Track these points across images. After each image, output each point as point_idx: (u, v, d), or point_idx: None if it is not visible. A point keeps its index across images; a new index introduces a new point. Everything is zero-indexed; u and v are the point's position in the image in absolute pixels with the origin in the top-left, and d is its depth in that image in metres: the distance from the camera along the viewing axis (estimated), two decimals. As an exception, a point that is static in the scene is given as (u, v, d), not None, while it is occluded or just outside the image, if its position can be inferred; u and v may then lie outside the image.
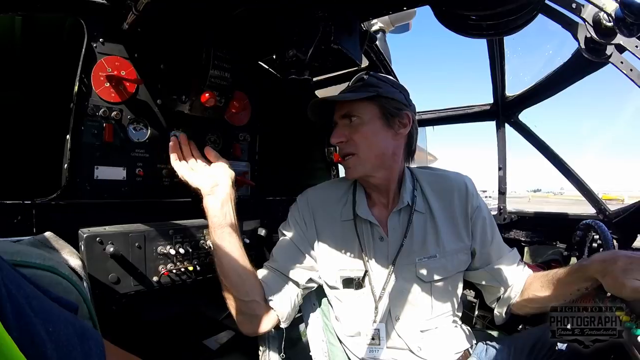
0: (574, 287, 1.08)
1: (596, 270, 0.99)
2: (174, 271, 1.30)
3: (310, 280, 1.35)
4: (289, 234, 1.37)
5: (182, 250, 1.31)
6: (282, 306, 1.26)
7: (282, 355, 1.40)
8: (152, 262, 1.27)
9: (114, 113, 1.28)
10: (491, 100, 2.00)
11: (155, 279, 1.27)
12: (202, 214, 1.28)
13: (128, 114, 1.32)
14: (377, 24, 2.19)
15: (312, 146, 2.32)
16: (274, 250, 1.37)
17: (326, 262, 1.33)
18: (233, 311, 1.25)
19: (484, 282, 1.34)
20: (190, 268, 1.33)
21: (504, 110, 1.97)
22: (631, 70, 0.96)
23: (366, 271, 1.28)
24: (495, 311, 1.35)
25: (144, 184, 1.36)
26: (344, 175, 1.35)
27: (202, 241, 1.40)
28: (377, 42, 1.78)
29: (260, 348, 1.42)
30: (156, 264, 1.28)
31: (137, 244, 1.24)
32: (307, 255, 1.33)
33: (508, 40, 1.71)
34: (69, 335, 0.53)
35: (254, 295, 1.23)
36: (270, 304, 1.24)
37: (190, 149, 1.36)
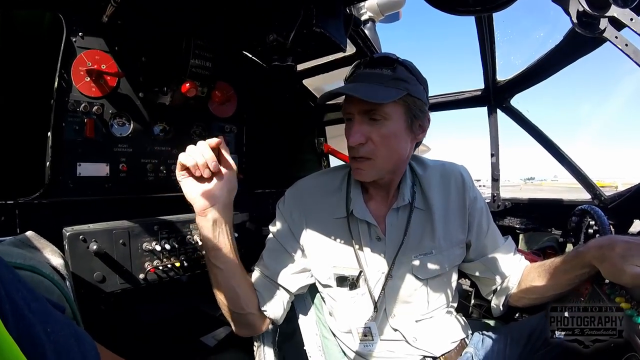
0: (571, 274, 1.04)
1: (593, 256, 0.96)
2: (161, 268, 1.28)
3: (303, 286, 1.30)
4: (277, 235, 1.30)
5: (167, 246, 1.29)
6: (276, 312, 1.23)
7: (276, 350, 1.38)
8: (138, 259, 1.25)
9: (95, 108, 1.26)
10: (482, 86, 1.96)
11: (141, 276, 1.25)
12: (188, 208, 1.24)
13: (110, 109, 1.30)
14: (366, 13, 2.15)
15: (302, 137, 2.28)
16: (263, 253, 1.31)
17: (318, 260, 1.27)
18: (229, 319, 1.22)
19: (477, 274, 1.30)
20: (177, 264, 1.30)
21: (495, 96, 1.92)
22: (626, 45, 0.91)
23: (361, 271, 1.23)
24: (493, 303, 1.32)
25: (128, 180, 1.34)
26: (335, 165, 1.29)
27: (188, 236, 1.37)
28: (366, 31, 1.74)
29: (255, 343, 1.40)
30: (142, 261, 1.26)
31: (121, 241, 1.21)
32: (297, 257, 1.28)
33: (498, 25, 1.67)
34: (66, 336, 0.53)
35: (250, 309, 1.19)
36: (265, 313, 1.21)
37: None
